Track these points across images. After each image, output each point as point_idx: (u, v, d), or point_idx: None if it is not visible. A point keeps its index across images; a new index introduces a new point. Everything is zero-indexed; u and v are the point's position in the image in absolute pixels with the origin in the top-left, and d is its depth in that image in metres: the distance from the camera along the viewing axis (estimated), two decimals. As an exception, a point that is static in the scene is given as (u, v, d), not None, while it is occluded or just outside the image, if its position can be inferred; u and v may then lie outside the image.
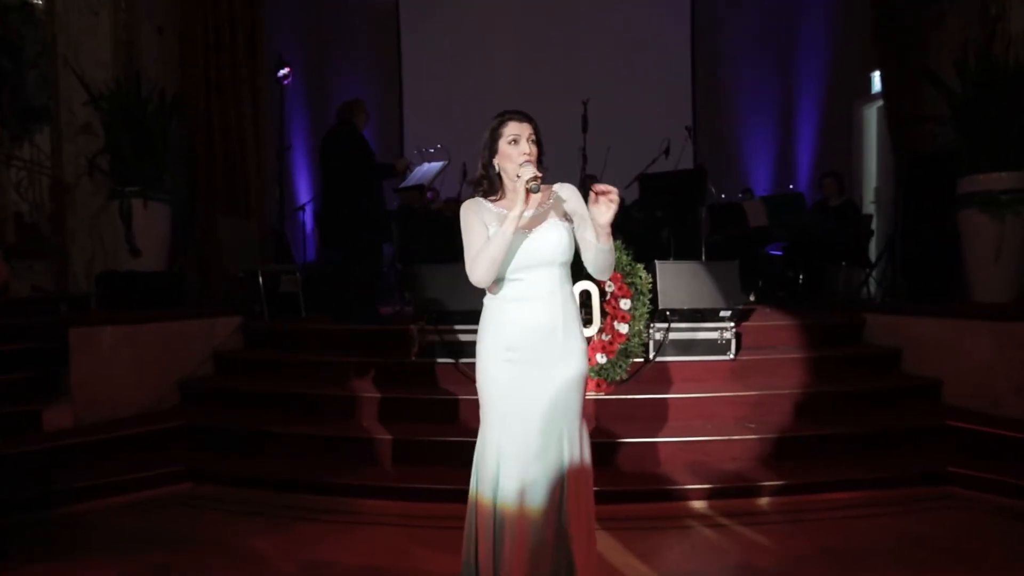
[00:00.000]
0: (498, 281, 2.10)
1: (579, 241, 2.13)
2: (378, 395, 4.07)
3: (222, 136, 5.75)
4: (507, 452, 2.06)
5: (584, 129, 5.80)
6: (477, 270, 2.04)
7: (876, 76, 7.21)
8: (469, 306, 4.22)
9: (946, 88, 5.22)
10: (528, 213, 2.07)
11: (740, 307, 4.33)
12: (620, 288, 3.99)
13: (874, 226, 6.80)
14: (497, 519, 2.07)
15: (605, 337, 4.01)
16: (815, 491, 3.43)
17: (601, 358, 3.98)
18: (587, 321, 4.02)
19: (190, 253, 5.73)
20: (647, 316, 4.03)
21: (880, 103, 7.23)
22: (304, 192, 9.29)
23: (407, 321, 4.74)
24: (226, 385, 4.57)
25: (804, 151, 8.46)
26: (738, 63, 9.17)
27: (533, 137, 2.13)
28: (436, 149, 5.87)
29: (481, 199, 2.17)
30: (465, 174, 6.73)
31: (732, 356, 4.26)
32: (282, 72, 7.20)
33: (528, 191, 1.99)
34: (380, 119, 8.61)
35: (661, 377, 4.18)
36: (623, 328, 3.98)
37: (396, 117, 9.66)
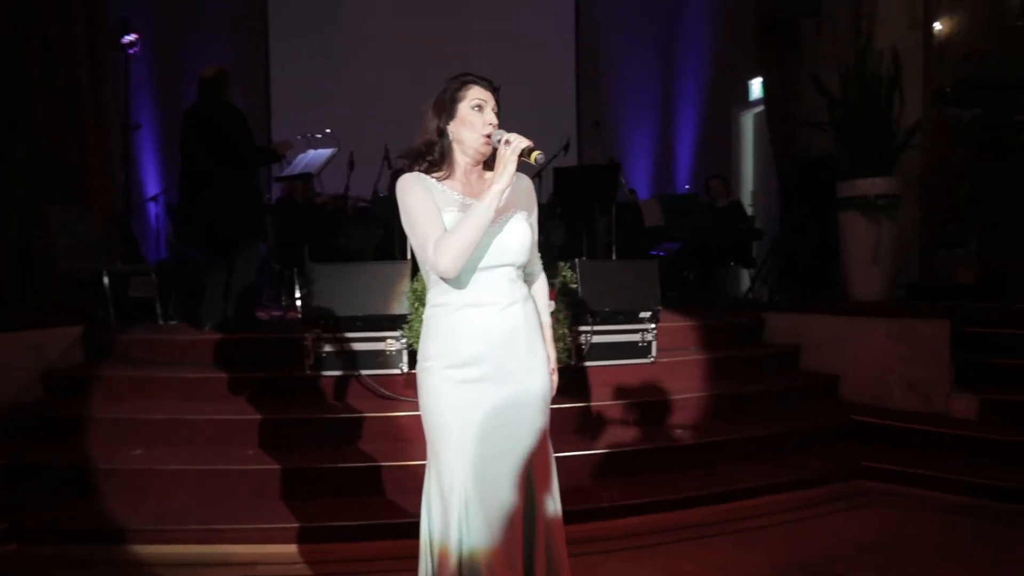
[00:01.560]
0: (448, 281, 1.72)
1: None
2: (265, 416, 3.45)
3: (48, 103, 4.71)
4: (470, 487, 1.69)
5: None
6: (446, 256, 1.64)
7: (754, 84, 7.54)
8: (372, 310, 3.74)
9: (829, 97, 5.45)
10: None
11: (660, 308, 4.19)
12: (543, 289, 3.68)
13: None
14: (465, 569, 1.68)
15: (527, 342, 3.68)
16: (742, 497, 3.32)
17: (523, 365, 3.64)
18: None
19: (5, 246, 4.66)
20: (571, 319, 3.76)
21: (757, 110, 7.58)
22: (152, 181, 8.16)
23: (295, 329, 4.14)
24: (60, 412, 3.65)
25: (684, 154, 8.69)
26: (621, 64, 9.27)
27: (496, 109, 1.79)
28: (324, 135, 5.25)
29: (423, 175, 1.77)
30: (352, 165, 6.15)
31: (653, 358, 4.10)
32: (127, 39, 6.18)
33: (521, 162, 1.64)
34: (243, 102, 7.72)
35: (587, 383, 3.92)
36: (546, 332, 3.66)
37: (263, 102, 8.74)
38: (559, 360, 3.64)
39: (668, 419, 3.78)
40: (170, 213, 6.62)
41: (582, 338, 3.94)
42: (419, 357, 1.78)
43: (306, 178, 5.23)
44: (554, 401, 3.61)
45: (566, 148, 5.81)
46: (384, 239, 5.86)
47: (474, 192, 1.77)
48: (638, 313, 4.11)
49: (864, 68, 5.46)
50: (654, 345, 4.10)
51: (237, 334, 4.19)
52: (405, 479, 3.15)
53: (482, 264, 1.72)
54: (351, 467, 3.18)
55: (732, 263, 6.37)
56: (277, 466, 3.15)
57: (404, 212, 1.72)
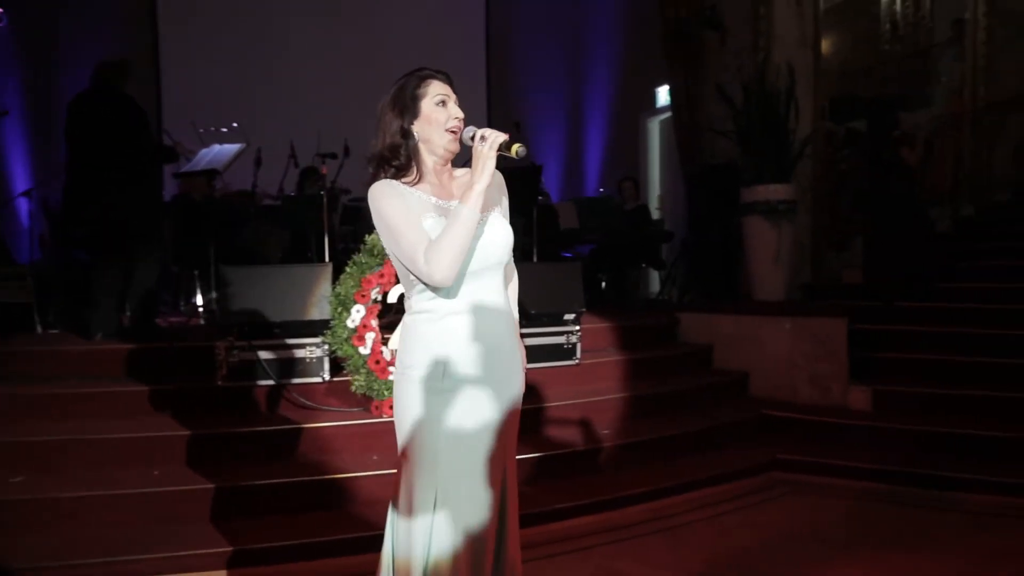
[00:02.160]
0: (427, 288, 1.65)
1: None
2: (174, 432, 3.18)
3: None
4: (447, 500, 1.63)
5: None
6: (440, 266, 1.55)
7: (661, 91, 7.81)
8: (291, 316, 3.55)
9: (733, 108, 5.74)
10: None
11: (583, 310, 4.24)
12: (472, 292, 3.62)
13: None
14: None
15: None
16: (670, 494, 3.42)
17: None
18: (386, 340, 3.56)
19: None
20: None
21: (664, 116, 7.86)
22: (21, 175, 7.38)
23: (203, 336, 3.87)
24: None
25: (593, 158, 8.89)
26: (530, 70, 9.35)
27: (457, 102, 1.72)
28: (231, 129, 4.93)
29: (394, 181, 1.68)
30: (259, 163, 5.81)
31: (578, 360, 4.14)
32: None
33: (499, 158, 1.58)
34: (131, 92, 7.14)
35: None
36: (475, 336, 3.61)
37: (152, 92, 8.11)
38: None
39: (595, 420, 3.82)
40: (47, 210, 6.00)
41: (509, 341, 3.91)
42: (398, 365, 1.70)
43: (210, 175, 4.89)
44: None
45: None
46: (294, 240, 5.59)
47: (448, 193, 1.70)
48: (563, 315, 4.14)
49: (764, 82, 5.79)
50: (579, 347, 4.15)
51: (137, 343, 3.85)
52: (334, 493, 3.01)
53: (470, 268, 1.64)
54: (273, 484, 2.98)
55: (643, 265, 6.57)
56: (191, 487, 2.91)
57: (382, 223, 1.62)
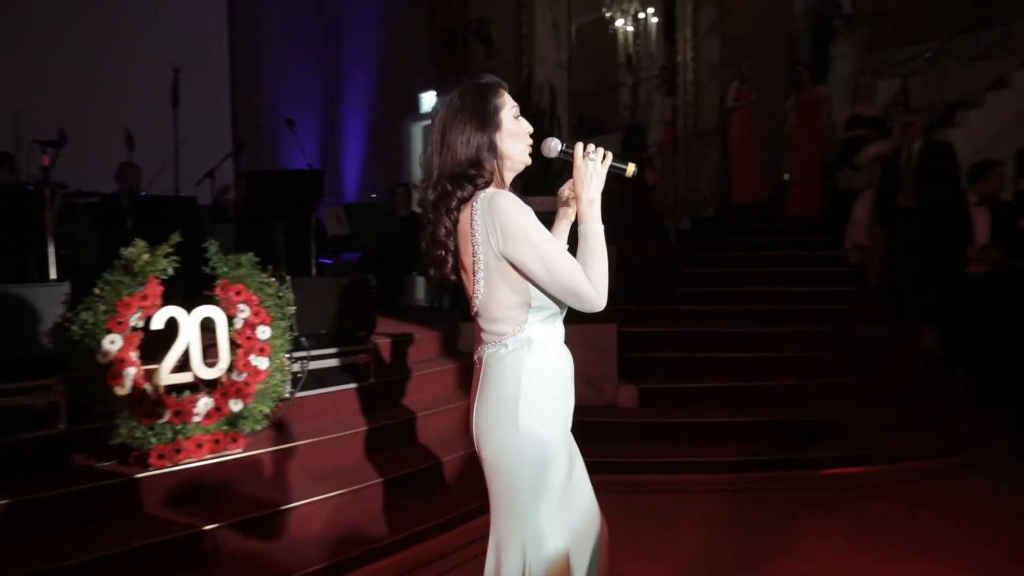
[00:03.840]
0: (542, 316, 1.60)
1: None
2: None
3: None
4: (577, 544, 1.63)
5: (175, 103, 4.46)
6: (605, 288, 1.54)
7: (425, 97, 7.77)
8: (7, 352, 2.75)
9: (505, 120, 5.93)
10: None
11: (375, 327, 3.98)
12: (257, 312, 3.16)
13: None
14: None
15: (239, 377, 3.11)
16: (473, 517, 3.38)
17: (235, 405, 3.08)
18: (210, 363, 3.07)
19: None
20: (288, 345, 3.31)
21: (428, 122, 7.84)
22: None
23: None
24: None
25: (352, 164, 8.52)
26: (280, 64, 8.63)
27: None
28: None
29: (511, 193, 1.60)
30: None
31: (373, 380, 3.87)
32: None
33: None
34: None
35: (303, 417, 3.50)
36: (262, 363, 3.16)
37: None
38: (277, 394, 3.22)
39: (397, 444, 3.61)
40: None
41: (297, 365, 3.51)
42: (517, 413, 1.55)
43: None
44: (274, 443, 3.19)
45: (241, 148, 5.14)
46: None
47: None
48: (355, 333, 3.85)
49: (530, 99, 6.07)
50: (372, 366, 3.88)
51: None
52: None
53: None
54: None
55: (414, 272, 6.46)
56: None
57: (526, 241, 1.49)
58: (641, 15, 7.58)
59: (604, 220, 1.59)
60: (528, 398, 1.55)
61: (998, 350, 4.81)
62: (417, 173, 8.28)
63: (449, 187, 1.54)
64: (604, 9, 7.66)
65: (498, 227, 1.50)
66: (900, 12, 9.45)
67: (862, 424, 4.47)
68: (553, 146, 1.62)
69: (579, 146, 1.59)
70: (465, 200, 1.55)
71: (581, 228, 1.56)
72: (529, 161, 1.65)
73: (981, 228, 4.78)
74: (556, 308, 1.61)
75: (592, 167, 1.57)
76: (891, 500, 3.64)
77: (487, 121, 1.55)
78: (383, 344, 4.30)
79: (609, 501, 3.56)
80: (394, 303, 6.29)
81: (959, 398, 4.82)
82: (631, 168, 1.59)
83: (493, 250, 1.52)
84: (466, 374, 4.68)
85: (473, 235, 1.52)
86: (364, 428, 3.50)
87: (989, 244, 4.80)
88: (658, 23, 7.83)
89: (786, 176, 7.86)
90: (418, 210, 7.20)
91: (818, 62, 7.98)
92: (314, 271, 4.72)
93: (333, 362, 3.69)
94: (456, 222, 1.56)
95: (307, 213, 4.43)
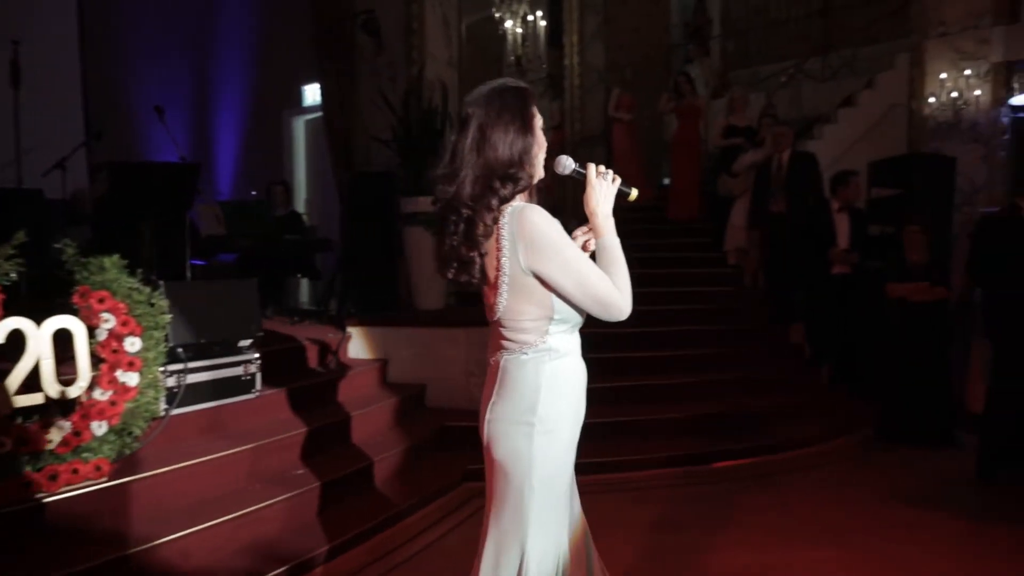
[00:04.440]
0: (564, 326, 1.60)
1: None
2: None
3: None
4: (571, 552, 1.66)
5: (15, 83, 3.83)
6: (630, 295, 1.56)
7: (308, 89, 7.37)
8: None
9: (398, 117, 5.73)
10: None
11: (261, 333, 3.68)
12: (125, 322, 2.80)
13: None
14: None
15: (103, 396, 2.75)
16: (384, 528, 3.21)
17: (99, 428, 2.71)
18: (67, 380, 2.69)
19: None
20: (163, 357, 2.97)
21: (312, 116, 7.44)
22: None
23: None
24: None
25: (225, 157, 7.92)
26: (139, 47, 7.84)
27: None
28: None
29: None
30: None
31: (258, 392, 3.57)
32: None
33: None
34: None
35: (181, 436, 3.15)
36: (131, 379, 2.81)
37: None
38: (151, 413, 2.88)
39: (285, 461, 3.35)
40: None
41: (173, 379, 3.16)
42: (534, 417, 1.56)
43: None
44: (147, 468, 2.86)
45: (98, 137, 4.60)
46: None
47: None
48: (237, 342, 3.54)
49: (422, 95, 5.92)
50: (259, 377, 3.58)
51: None
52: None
53: None
54: None
55: (299, 275, 6.09)
56: None
57: (558, 256, 1.50)
58: (530, 17, 7.61)
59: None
60: (547, 405, 1.56)
61: (857, 343, 5.27)
62: (300, 170, 7.87)
63: (495, 184, 1.51)
64: (493, 9, 7.62)
65: (528, 241, 1.50)
66: (762, 32, 10.18)
67: (746, 418, 4.72)
68: (567, 164, 1.65)
69: (592, 166, 1.64)
70: (506, 200, 1.52)
71: (600, 241, 1.62)
72: (543, 174, 1.64)
73: (842, 233, 5.21)
74: (577, 319, 1.61)
75: (605, 186, 1.62)
76: (778, 488, 3.86)
77: (528, 126, 1.56)
78: (269, 352, 3.99)
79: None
80: (277, 307, 5.90)
81: (826, 389, 5.22)
82: (634, 193, 1.67)
83: (520, 264, 1.51)
84: (361, 382, 4.46)
85: (500, 246, 1.51)
86: (251, 446, 3.21)
87: (849, 248, 5.24)
88: (545, 26, 7.90)
89: (666, 181, 8.22)
90: (296, 209, 6.84)
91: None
92: (189, 274, 4.30)
93: (214, 374, 3.36)
94: (496, 221, 1.51)
95: (180, 211, 4.01)
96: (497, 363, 1.62)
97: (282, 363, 4.03)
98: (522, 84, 1.62)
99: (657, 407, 4.73)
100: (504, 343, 1.60)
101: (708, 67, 8.87)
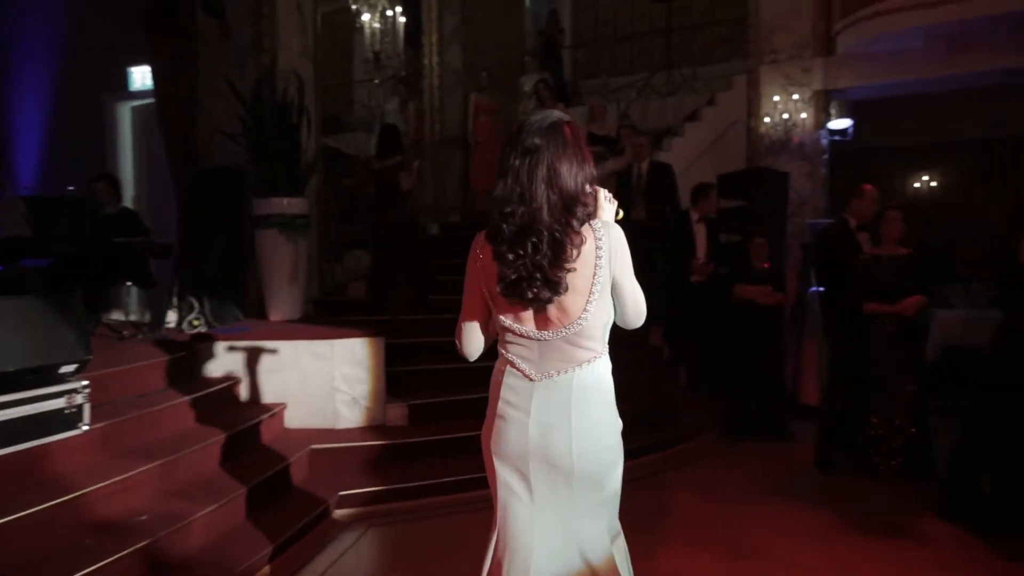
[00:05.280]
0: (607, 332, 1.77)
1: None
2: None
3: None
4: None
5: None
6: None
7: (135, 72, 6.51)
8: None
9: (249, 111, 5.21)
10: None
11: (89, 357, 3.12)
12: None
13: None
14: None
15: None
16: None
17: None
18: None
19: None
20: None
21: (140, 102, 6.58)
22: None
23: None
24: None
25: (27, 146, 6.78)
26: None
27: None
28: None
29: None
30: None
31: (87, 426, 3.01)
32: None
33: None
34: None
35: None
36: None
37: None
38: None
39: (123, 507, 2.85)
40: None
41: (-28, 419, 2.56)
42: (615, 415, 1.78)
43: None
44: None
45: None
46: None
47: None
48: (58, 368, 2.96)
49: (275, 87, 5.43)
50: (87, 409, 3.02)
51: None
52: None
53: None
54: None
55: (128, 283, 5.32)
56: None
57: (629, 266, 1.71)
58: (389, 12, 7.30)
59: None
60: (614, 403, 1.78)
61: (709, 346, 5.59)
62: (127, 162, 6.93)
63: (575, 210, 1.64)
64: (351, 1, 7.23)
65: (618, 252, 1.67)
66: (610, 45, 10.65)
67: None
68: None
69: (601, 191, 1.77)
70: (583, 222, 1.65)
71: None
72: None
73: (700, 242, 5.51)
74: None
75: (610, 208, 1.78)
76: (654, 490, 3.95)
77: (585, 158, 1.68)
78: (98, 378, 3.40)
79: (389, 534, 3.32)
80: (97, 321, 5.11)
81: (685, 390, 5.48)
82: (620, 214, 1.80)
83: (611, 273, 1.67)
84: (211, 405, 3.95)
85: (598, 258, 1.65)
86: (77, 493, 2.69)
87: (708, 259, 5.56)
88: (405, 23, 7.62)
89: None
90: (128, 207, 6.00)
91: (556, 80, 8.55)
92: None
93: (28, 409, 2.78)
94: (583, 241, 1.64)
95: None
96: (567, 379, 1.70)
97: (113, 389, 3.46)
98: (572, 119, 1.73)
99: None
100: (580, 352, 1.70)
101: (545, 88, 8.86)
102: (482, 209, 8.33)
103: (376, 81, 8.07)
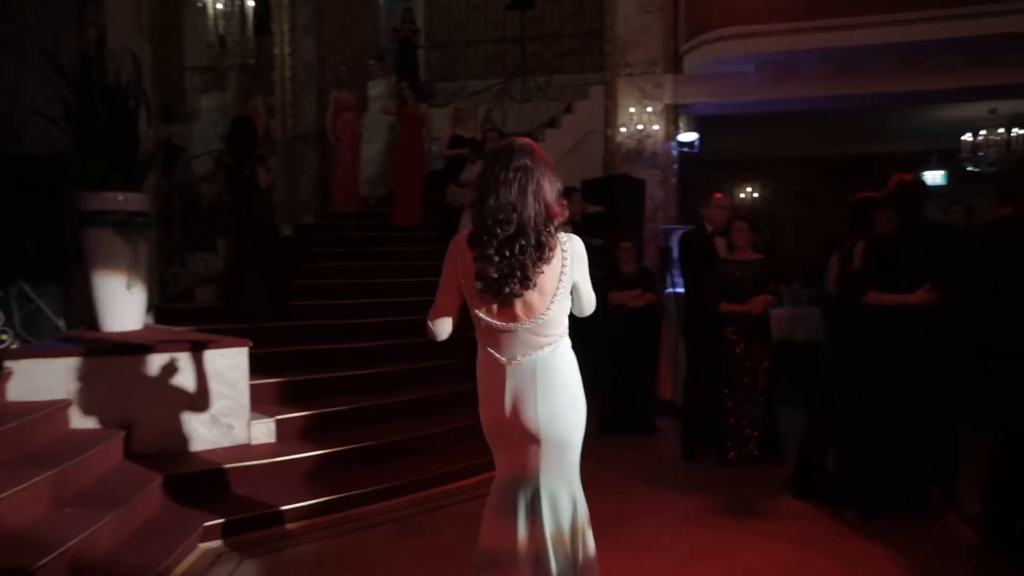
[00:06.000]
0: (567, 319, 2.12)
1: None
2: None
3: None
4: None
5: None
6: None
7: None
8: None
9: (78, 96, 4.51)
10: None
11: None
12: None
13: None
14: None
15: None
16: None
17: None
18: None
19: None
20: None
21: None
22: None
23: None
24: None
25: None
26: None
27: None
28: None
29: None
30: None
31: None
32: None
33: None
34: None
35: None
36: None
37: None
38: None
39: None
40: None
41: None
42: (580, 390, 2.12)
43: None
44: None
45: None
46: None
47: None
48: None
49: (105, 69, 4.76)
50: None
51: None
52: None
53: None
54: None
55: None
56: None
57: (587, 266, 2.07)
58: (236, -5, 6.73)
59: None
60: (580, 380, 2.11)
61: (585, 349, 5.72)
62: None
63: (554, 220, 1.97)
64: (191, -23, 6.58)
65: (580, 260, 2.03)
66: (463, 48, 10.66)
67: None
68: None
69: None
70: (558, 228, 1.99)
71: None
72: None
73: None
74: None
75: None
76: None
77: (555, 175, 2.00)
78: None
79: (267, 564, 3.01)
80: None
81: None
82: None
83: (573, 277, 2.03)
84: (29, 437, 3.35)
85: (563, 264, 1.99)
86: None
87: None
88: (253, 8, 7.05)
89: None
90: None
91: (413, 80, 8.37)
92: None
93: None
94: (557, 244, 1.97)
95: None
96: (531, 360, 2.01)
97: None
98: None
99: (412, 423, 4.52)
100: (542, 339, 2.01)
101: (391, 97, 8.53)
102: (338, 210, 7.91)
103: (223, 67, 7.41)
